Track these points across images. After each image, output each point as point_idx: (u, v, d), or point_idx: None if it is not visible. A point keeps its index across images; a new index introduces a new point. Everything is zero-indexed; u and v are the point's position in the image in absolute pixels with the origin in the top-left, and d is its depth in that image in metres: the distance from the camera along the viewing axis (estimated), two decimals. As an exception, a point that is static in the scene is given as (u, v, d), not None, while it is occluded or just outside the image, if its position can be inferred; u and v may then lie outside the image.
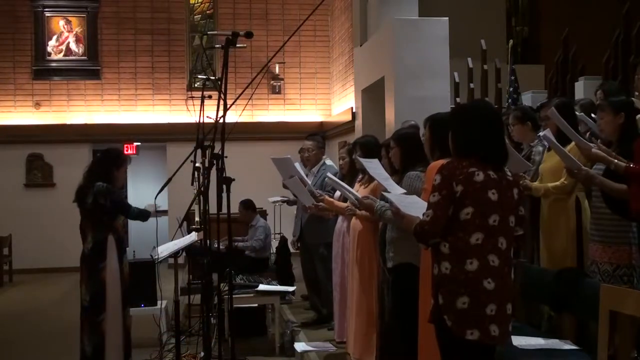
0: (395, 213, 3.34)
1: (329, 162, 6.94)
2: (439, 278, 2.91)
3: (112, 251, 5.08)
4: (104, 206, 5.09)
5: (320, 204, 5.55)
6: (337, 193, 5.64)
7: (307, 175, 6.28)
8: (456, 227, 2.88)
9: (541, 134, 4.58)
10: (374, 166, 4.34)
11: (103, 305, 5.03)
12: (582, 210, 4.37)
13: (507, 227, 2.93)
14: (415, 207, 3.20)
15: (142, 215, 5.44)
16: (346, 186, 4.85)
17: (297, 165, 6.13)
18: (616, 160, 3.83)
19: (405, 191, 4.00)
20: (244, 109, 6.52)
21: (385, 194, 3.82)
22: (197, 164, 5.04)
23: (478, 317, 2.83)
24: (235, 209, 6.65)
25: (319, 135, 7.41)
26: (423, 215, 2.94)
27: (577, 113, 4.88)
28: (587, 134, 4.74)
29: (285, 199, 8.08)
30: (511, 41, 8.85)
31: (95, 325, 5.04)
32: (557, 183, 4.41)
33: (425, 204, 3.23)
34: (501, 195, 2.91)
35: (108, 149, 5.49)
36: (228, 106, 4.09)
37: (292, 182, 5.61)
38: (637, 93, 4.62)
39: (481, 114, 3.05)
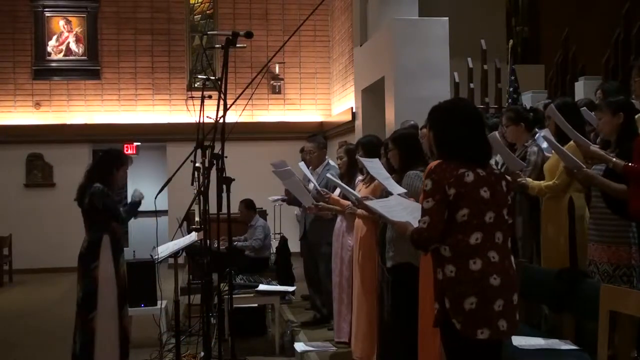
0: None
1: (332, 162, 6.92)
2: (445, 282, 2.87)
3: (106, 251, 5.07)
4: (98, 208, 5.10)
5: (320, 203, 5.56)
6: (337, 191, 5.65)
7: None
8: (454, 230, 2.86)
9: (541, 133, 4.57)
10: (374, 166, 4.34)
11: (94, 303, 5.04)
12: (575, 210, 4.35)
13: (501, 221, 2.92)
14: (398, 209, 3.16)
15: (132, 210, 5.33)
16: (346, 186, 4.86)
17: (302, 166, 6.12)
18: (615, 159, 3.84)
19: (406, 190, 4.01)
20: (244, 109, 6.51)
21: (365, 201, 3.83)
22: (197, 164, 5.04)
23: (487, 316, 2.81)
24: (235, 209, 6.65)
25: (319, 135, 7.40)
26: (419, 222, 2.91)
27: (581, 109, 4.86)
28: (592, 134, 4.74)
29: (285, 198, 8.08)
30: (511, 41, 8.83)
31: (86, 323, 5.05)
32: (550, 182, 4.40)
33: (408, 203, 3.22)
34: (493, 191, 2.90)
35: (109, 149, 5.48)
36: (228, 106, 4.09)
37: (291, 183, 5.62)
38: (634, 96, 4.59)
39: (458, 112, 3.00)
